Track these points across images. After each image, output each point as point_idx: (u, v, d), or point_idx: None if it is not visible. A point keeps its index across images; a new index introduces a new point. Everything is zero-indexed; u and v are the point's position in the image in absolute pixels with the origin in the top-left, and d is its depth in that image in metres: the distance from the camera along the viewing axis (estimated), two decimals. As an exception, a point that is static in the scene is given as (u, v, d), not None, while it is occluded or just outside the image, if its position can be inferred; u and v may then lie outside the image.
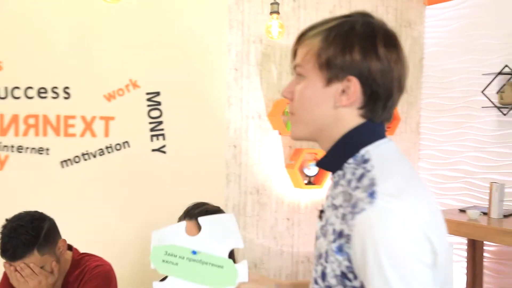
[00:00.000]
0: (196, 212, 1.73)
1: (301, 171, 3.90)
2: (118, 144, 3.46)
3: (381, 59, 0.94)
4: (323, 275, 0.94)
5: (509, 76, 3.76)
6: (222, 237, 1.15)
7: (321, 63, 0.96)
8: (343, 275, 0.90)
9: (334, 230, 0.92)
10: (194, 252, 1.14)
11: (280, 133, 3.88)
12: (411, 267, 0.82)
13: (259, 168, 3.83)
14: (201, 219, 1.17)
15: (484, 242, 3.73)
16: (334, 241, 0.91)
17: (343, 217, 0.90)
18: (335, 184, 0.99)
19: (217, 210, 1.78)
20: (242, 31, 3.75)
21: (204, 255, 1.13)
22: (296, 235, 3.97)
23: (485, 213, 3.56)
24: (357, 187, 0.91)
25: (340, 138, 0.98)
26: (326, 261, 0.92)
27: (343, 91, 0.95)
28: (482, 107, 3.97)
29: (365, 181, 0.90)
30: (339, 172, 0.99)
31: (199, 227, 1.66)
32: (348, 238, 0.88)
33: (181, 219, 1.78)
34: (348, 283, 0.90)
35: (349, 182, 0.94)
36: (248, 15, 3.76)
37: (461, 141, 4.21)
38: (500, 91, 3.80)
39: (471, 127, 4.14)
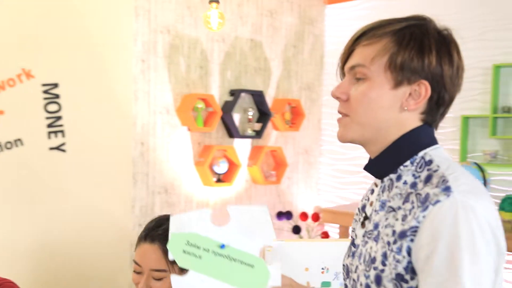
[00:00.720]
0: (159, 233, 1.49)
1: (210, 169, 3.77)
2: (9, 142, 3.03)
3: (453, 65, 0.93)
4: (378, 279, 0.90)
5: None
6: (253, 232, 0.99)
7: (394, 65, 0.92)
8: (399, 277, 0.87)
9: (393, 232, 0.89)
10: (222, 246, 0.97)
11: (189, 129, 3.70)
12: (483, 263, 0.81)
13: (168, 166, 3.62)
14: (230, 208, 1.00)
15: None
16: (394, 242, 0.88)
17: (404, 218, 0.88)
18: (388, 188, 0.96)
19: None
20: (149, 19, 3.50)
21: (233, 251, 0.97)
22: (205, 235, 3.83)
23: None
24: (426, 186, 0.89)
25: (396, 141, 0.95)
26: (384, 264, 0.89)
27: (410, 94, 0.93)
28: (382, 105, 4.17)
29: (435, 180, 0.88)
30: (392, 176, 0.96)
31: (163, 252, 1.44)
32: (414, 231, 0.85)
33: (140, 239, 1.53)
34: (404, 285, 0.87)
35: (413, 185, 0.91)
36: (155, 3, 3.53)
37: (361, 137, 4.38)
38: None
39: (370, 124, 4.32)
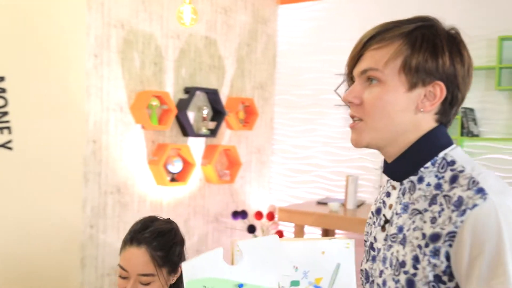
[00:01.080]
0: (145, 236, 1.42)
1: (165, 168, 3.68)
2: (-50, 138, 2.82)
3: (464, 64, 0.94)
4: (411, 283, 0.89)
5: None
6: (267, 263, 0.96)
7: (409, 67, 0.93)
8: (437, 279, 0.87)
9: (423, 235, 0.89)
10: (241, 286, 0.94)
11: (143, 127, 3.60)
12: None
13: (121, 165, 3.50)
14: (241, 245, 0.95)
15: (336, 230, 4.00)
16: (426, 245, 0.88)
17: (433, 220, 0.89)
18: (409, 190, 0.96)
19: (170, 228, 1.50)
20: (102, 13, 3.37)
21: None
22: (158, 235, 3.74)
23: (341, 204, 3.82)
24: (453, 188, 0.89)
25: (414, 143, 0.95)
26: (415, 268, 0.89)
27: (425, 96, 0.94)
28: (335, 105, 4.25)
29: (463, 181, 0.88)
30: (412, 178, 0.96)
31: (150, 255, 1.38)
32: (452, 236, 0.86)
33: (126, 243, 1.46)
34: (442, 286, 0.88)
35: (437, 186, 0.92)
36: (109, -4, 3.40)
37: (313, 136, 4.45)
38: (350, 91, 4.11)
39: (322, 124, 4.40)
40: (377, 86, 0.95)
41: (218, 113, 4.06)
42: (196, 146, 3.98)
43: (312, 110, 4.45)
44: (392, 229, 0.97)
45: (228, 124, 4.19)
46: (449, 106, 0.96)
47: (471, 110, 3.71)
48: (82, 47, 3.29)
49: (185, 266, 0.93)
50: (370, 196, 4.09)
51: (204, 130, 3.95)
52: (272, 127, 4.68)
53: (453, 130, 3.72)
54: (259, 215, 4.06)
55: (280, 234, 4.07)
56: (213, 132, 3.98)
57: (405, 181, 0.98)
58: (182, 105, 3.76)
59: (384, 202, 1.04)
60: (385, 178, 1.10)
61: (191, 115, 3.90)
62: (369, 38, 0.97)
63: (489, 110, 3.70)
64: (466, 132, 3.67)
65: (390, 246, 0.96)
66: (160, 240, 1.43)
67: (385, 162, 1.02)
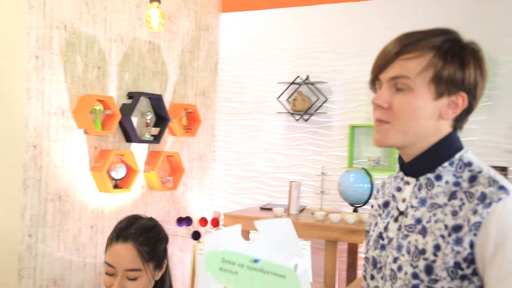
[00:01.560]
0: (131, 232, 1.42)
1: (108, 174, 3.59)
2: None
3: (484, 77, 1.05)
4: (429, 269, 1.00)
5: (299, 85, 4.22)
6: (281, 243, 1.05)
7: (439, 79, 1.03)
8: (457, 265, 0.98)
9: (446, 226, 1.01)
10: (256, 260, 1.03)
11: (86, 132, 3.49)
12: None
13: (62, 171, 3.37)
14: (257, 223, 1.05)
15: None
16: (449, 235, 1.00)
17: (454, 213, 1.01)
18: (426, 186, 1.08)
19: (154, 225, 1.50)
20: (44, 13, 3.24)
21: (266, 264, 1.03)
22: (100, 244, 3.64)
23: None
24: (473, 185, 1.01)
25: (434, 145, 1.07)
26: (435, 255, 1.00)
27: (448, 105, 1.05)
28: (277, 113, 4.35)
29: (483, 180, 1.01)
30: (429, 175, 1.07)
31: (137, 251, 1.39)
32: (477, 226, 0.97)
33: (112, 240, 1.44)
34: (459, 272, 0.98)
35: (456, 184, 1.04)
36: (51, -4, 3.28)
37: (254, 143, 4.52)
38: (292, 99, 4.23)
39: (263, 131, 4.48)
40: (407, 93, 1.04)
41: (161, 119, 4.02)
42: (139, 152, 3.91)
43: (254, 117, 4.53)
44: (407, 220, 1.07)
45: (171, 131, 4.16)
46: (465, 114, 1.08)
47: (405, 119, 3.94)
48: (23, 47, 3.14)
49: (207, 239, 1.02)
50: (311, 202, 4.22)
51: (147, 136, 3.89)
52: (214, 134, 4.70)
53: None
54: (203, 221, 4.05)
55: (224, 240, 4.08)
56: (156, 138, 3.93)
57: (421, 178, 1.09)
58: (126, 110, 3.69)
59: (394, 196, 1.14)
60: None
61: (134, 120, 3.83)
62: (399, 48, 1.05)
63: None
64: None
65: (407, 236, 1.06)
66: (146, 236, 1.45)
67: (400, 159, 1.12)
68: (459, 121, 1.09)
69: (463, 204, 1.00)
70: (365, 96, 4.07)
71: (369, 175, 3.73)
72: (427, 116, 1.05)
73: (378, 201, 1.19)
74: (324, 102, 4.18)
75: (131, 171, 3.74)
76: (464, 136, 3.60)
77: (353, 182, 3.72)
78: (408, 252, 1.04)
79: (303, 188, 4.18)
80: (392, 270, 1.06)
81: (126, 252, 1.40)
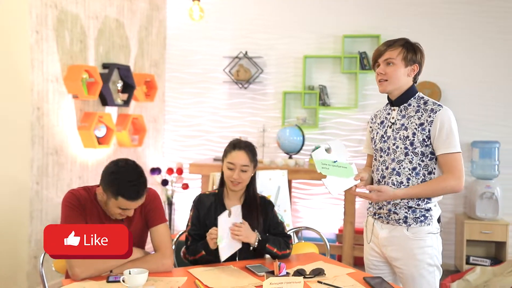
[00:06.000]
0: (242, 145, 2.33)
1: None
2: None
3: (422, 58, 2.18)
4: (412, 143, 2.10)
5: (239, 59, 5.14)
6: (341, 153, 2.12)
7: (407, 59, 2.15)
8: (423, 140, 2.10)
9: (416, 124, 2.12)
10: (335, 161, 2.10)
11: (76, 97, 4.11)
12: (457, 134, 2.08)
13: (58, 130, 3.98)
14: (332, 144, 2.10)
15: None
16: (418, 127, 2.11)
17: (419, 117, 2.12)
18: (404, 109, 2.14)
19: (252, 144, 2.38)
20: (41, -6, 3.78)
21: (339, 163, 2.11)
22: (85, 192, 4.30)
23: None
24: (426, 105, 2.14)
25: (406, 90, 2.19)
26: (413, 137, 2.09)
27: (412, 70, 2.12)
28: (224, 82, 5.24)
29: (430, 103, 2.15)
30: (405, 104, 2.15)
31: (247, 154, 2.27)
32: (430, 122, 2.07)
33: (230, 148, 2.30)
34: (425, 143, 2.10)
35: (418, 106, 2.15)
36: (45, -21, 3.82)
37: (201, 108, 5.38)
38: (236, 70, 5.15)
39: (210, 97, 5.36)
40: (392, 66, 2.13)
41: (128, 86, 4.71)
42: (112, 114, 4.58)
43: (201, 86, 5.37)
44: (397, 126, 2.15)
45: (134, 97, 4.87)
46: (417, 75, 2.17)
47: (325, 87, 5.07)
48: (25, 24, 3.68)
49: (314, 155, 2.05)
50: (251, 154, 5.21)
51: (119, 101, 4.58)
52: (164, 100, 5.46)
53: (313, 101, 5.05)
54: (170, 170, 4.86)
55: (186, 186, 4.96)
56: (126, 103, 4.63)
57: (401, 106, 2.16)
58: (104, 79, 4.34)
59: (386, 118, 2.21)
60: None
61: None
62: (386, 47, 2.13)
63: (336, 87, 5.11)
64: (322, 103, 5.03)
65: (398, 132, 2.13)
66: (250, 148, 2.37)
67: (389, 98, 2.19)
68: (415, 78, 2.19)
69: (422, 114, 2.11)
70: (293, 68, 5.12)
71: (301, 130, 4.81)
72: (402, 76, 2.15)
73: (375, 122, 2.28)
74: (260, 73, 5.16)
75: (109, 130, 4.43)
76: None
77: (289, 136, 4.77)
78: (400, 139, 2.13)
79: (246, 143, 5.15)
80: (392, 148, 2.14)
81: (242, 155, 2.30)
